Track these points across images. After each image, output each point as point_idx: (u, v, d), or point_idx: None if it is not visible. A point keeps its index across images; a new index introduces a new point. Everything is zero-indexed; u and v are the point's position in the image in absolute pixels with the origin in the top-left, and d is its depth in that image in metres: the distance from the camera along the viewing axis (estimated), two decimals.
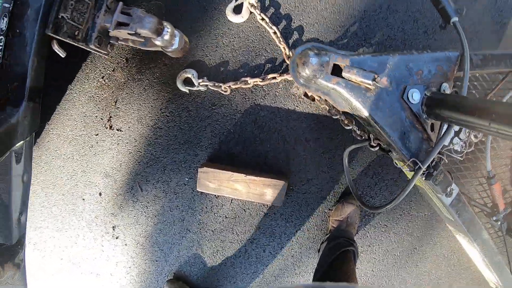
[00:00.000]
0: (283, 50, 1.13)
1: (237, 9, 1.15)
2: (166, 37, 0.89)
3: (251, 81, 1.14)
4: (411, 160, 0.77)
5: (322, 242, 1.25)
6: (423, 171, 0.75)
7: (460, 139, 0.86)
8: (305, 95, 1.17)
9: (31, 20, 0.78)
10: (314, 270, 1.14)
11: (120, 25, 0.85)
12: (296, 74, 0.76)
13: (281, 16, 1.15)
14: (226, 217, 1.32)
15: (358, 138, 1.04)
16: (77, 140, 1.34)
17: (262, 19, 1.12)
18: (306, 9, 1.15)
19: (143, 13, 0.82)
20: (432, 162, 0.77)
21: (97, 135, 1.33)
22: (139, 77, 1.27)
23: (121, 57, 1.23)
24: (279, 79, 1.14)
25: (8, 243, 0.75)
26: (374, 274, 1.41)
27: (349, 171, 0.97)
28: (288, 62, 1.13)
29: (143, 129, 1.29)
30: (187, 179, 1.29)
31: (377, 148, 0.94)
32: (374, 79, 0.69)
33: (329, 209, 1.30)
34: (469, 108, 0.62)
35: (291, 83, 1.18)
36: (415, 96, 0.76)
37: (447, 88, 0.79)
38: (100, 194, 1.37)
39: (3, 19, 0.77)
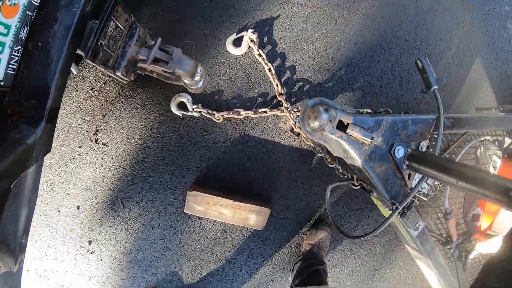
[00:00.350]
0: (275, 87, 1.22)
1: (237, 42, 1.22)
2: (197, 78, 0.93)
3: (243, 113, 1.21)
4: (390, 201, 0.91)
5: (296, 263, 1.36)
6: (399, 211, 0.90)
7: (427, 184, 1.02)
8: (292, 130, 1.27)
9: (59, 37, 0.73)
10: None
11: (156, 60, 0.87)
12: (305, 123, 0.87)
13: (276, 54, 1.24)
14: (207, 237, 1.37)
15: (341, 176, 1.16)
16: (58, 149, 1.31)
17: (260, 55, 1.20)
18: (299, 51, 1.25)
19: (182, 55, 0.85)
20: (406, 204, 0.93)
21: (80, 147, 1.31)
22: (131, 94, 1.28)
23: None
24: (269, 113, 1.23)
25: (12, 269, 0.73)
26: None
27: (330, 204, 1.08)
28: (280, 98, 1.22)
29: (131, 146, 1.30)
30: (172, 199, 1.32)
31: (359, 187, 1.06)
32: (372, 138, 0.82)
33: (304, 234, 1.41)
34: (441, 167, 0.78)
35: (279, 118, 1.27)
36: (400, 152, 0.90)
37: (424, 146, 0.95)
38: (78, 207, 1.35)
39: (24, 28, 0.73)
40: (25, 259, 1.42)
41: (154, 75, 0.98)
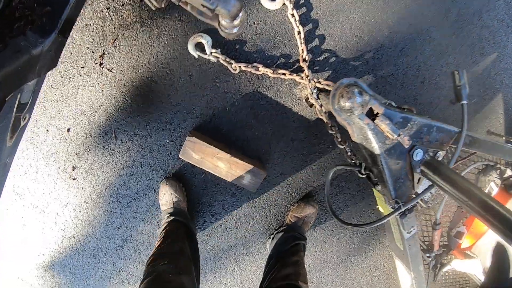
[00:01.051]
0: (300, 52, 1.17)
1: None
2: (236, 22, 0.85)
3: (262, 69, 1.16)
4: (394, 199, 0.92)
5: (278, 231, 1.36)
6: (402, 211, 0.91)
7: (430, 192, 1.03)
8: (306, 100, 1.24)
9: None
10: (265, 255, 1.25)
11: None
12: (335, 100, 0.84)
13: (309, 19, 1.18)
14: (195, 186, 1.34)
15: (348, 160, 1.14)
16: (58, 66, 1.22)
17: (292, 15, 1.14)
18: (333, 22, 1.20)
19: None
20: (410, 206, 0.95)
21: (82, 67, 1.23)
22: (148, 22, 1.20)
23: None
24: (288, 76, 1.18)
25: None
26: (309, 269, 1.59)
27: (329, 185, 1.08)
28: (302, 64, 1.17)
29: (136, 77, 1.23)
30: (167, 141, 1.28)
31: (364, 176, 1.05)
32: (399, 135, 0.81)
33: (291, 205, 1.42)
34: (456, 183, 0.78)
35: (296, 84, 1.23)
36: (418, 155, 0.90)
37: (441, 156, 0.95)
38: (68, 130, 1.28)
39: None
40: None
41: (188, 8, 0.90)
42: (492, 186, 1.43)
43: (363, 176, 1.08)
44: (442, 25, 1.26)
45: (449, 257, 1.48)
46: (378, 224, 0.96)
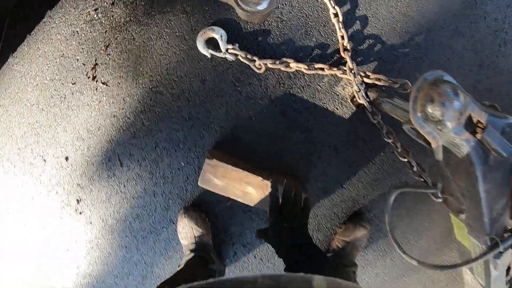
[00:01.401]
0: (340, 39, 0.89)
1: None
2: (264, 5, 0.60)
3: (294, 65, 0.90)
4: (490, 236, 0.66)
5: None
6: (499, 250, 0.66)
7: None
8: (352, 99, 0.97)
9: None
10: None
11: None
12: (417, 106, 0.58)
13: None
14: (220, 215, 1.12)
15: (415, 177, 0.88)
16: (47, 85, 1.02)
17: None
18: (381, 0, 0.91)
19: None
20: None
21: (74, 84, 1.02)
22: (145, 20, 0.96)
23: None
24: (327, 72, 0.91)
25: None
26: None
27: (391, 212, 0.82)
28: (343, 55, 0.90)
29: (137, 89, 1.00)
30: (182, 164, 1.05)
31: (440, 200, 0.79)
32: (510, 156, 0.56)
33: (338, 227, 1.17)
34: None
35: (338, 80, 0.96)
36: None
37: None
38: (66, 158, 1.08)
39: None
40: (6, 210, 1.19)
41: None
42: None
43: (439, 200, 0.82)
44: None
45: None
46: (470, 264, 0.71)
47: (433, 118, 0.58)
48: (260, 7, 0.67)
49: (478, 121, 0.59)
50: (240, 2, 0.65)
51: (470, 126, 0.59)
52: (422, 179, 0.88)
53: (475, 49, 1.02)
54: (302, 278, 0.29)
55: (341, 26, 0.89)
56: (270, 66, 0.90)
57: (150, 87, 0.99)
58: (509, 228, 0.72)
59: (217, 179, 0.94)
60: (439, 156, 0.67)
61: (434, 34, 0.97)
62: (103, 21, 0.98)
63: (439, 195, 0.79)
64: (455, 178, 0.72)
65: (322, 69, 0.91)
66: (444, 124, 0.57)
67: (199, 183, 0.96)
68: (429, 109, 0.57)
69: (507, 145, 0.57)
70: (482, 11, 0.99)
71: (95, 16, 0.98)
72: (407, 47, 0.98)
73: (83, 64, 1.01)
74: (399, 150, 0.88)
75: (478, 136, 0.58)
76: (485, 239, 0.71)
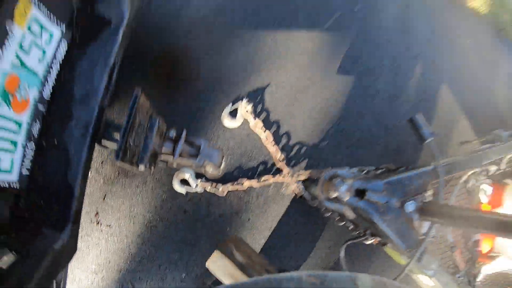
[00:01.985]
0: (274, 154, 1.24)
1: (233, 113, 1.25)
2: (222, 166, 0.92)
3: (246, 183, 1.22)
4: (407, 250, 0.96)
5: None
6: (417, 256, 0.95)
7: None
8: (296, 195, 1.29)
9: (78, 136, 0.66)
10: None
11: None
12: (321, 194, 0.94)
13: (270, 122, 1.28)
14: None
15: (355, 233, 1.19)
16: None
17: (255, 125, 1.22)
18: (291, 115, 1.29)
19: (211, 147, 0.82)
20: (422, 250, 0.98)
21: (81, 230, 1.28)
22: (131, 172, 1.27)
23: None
24: (271, 180, 1.24)
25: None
26: None
27: (345, 261, 1.10)
28: (278, 165, 1.24)
29: (135, 226, 1.28)
30: (184, 276, 1.30)
31: (372, 242, 1.09)
32: (386, 202, 0.90)
33: None
34: (448, 216, 0.85)
35: (281, 184, 1.30)
36: (410, 207, 0.97)
37: (429, 196, 1.01)
38: None
39: (36, 121, 0.63)
40: None
41: (174, 165, 0.96)
42: (484, 188, 1.46)
43: (372, 241, 1.11)
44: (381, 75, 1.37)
45: (477, 266, 1.48)
46: (402, 275, 0.95)
47: (332, 198, 0.92)
48: (220, 173, 1.02)
49: (364, 189, 0.92)
50: (207, 173, 1.00)
51: (359, 193, 0.93)
52: (357, 232, 1.18)
53: (378, 120, 1.39)
54: (347, 277, 0.27)
55: (272, 145, 1.24)
56: (230, 188, 1.22)
57: (145, 223, 1.27)
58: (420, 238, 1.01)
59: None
60: (352, 216, 0.99)
61: (344, 124, 1.35)
62: (97, 177, 1.27)
63: (370, 239, 1.09)
64: (370, 224, 1.03)
65: (267, 180, 1.24)
66: (342, 199, 0.91)
67: None
68: (329, 194, 0.92)
69: (382, 197, 0.91)
70: (374, 91, 1.38)
71: (90, 174, 1.28)
72: (325, 141, 1.35)
73: (87, 213, 1.27)
74: (337, 219, 1.19)
75: (365, 198, 0.91)
76: (405, 253, 0.98)
